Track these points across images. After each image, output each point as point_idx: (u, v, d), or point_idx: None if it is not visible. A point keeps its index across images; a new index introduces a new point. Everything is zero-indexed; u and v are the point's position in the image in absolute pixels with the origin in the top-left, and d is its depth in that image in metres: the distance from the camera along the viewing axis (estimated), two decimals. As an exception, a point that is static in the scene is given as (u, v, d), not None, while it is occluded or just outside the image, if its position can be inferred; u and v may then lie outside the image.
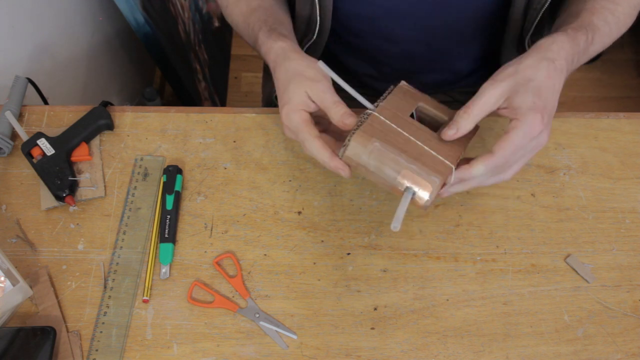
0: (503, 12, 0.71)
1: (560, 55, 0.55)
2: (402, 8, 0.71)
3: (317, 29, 0.72)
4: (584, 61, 0.61)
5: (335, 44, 0.75)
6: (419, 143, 0.55)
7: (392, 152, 0.54)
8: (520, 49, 0.74)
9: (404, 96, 0.60)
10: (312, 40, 0.74)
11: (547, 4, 0.66)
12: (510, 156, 0.53)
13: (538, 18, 0.68)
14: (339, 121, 0.56)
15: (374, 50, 0.80)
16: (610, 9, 0.62)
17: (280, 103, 0.60)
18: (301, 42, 0.76)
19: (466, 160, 0.55)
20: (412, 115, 0.59)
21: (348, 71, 0.89)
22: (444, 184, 0.54)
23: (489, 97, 0.53)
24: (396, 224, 0.52)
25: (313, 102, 0.58)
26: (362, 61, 0.84)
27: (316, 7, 0.69)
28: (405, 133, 0.55)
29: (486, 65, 0.85)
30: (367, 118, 0.56)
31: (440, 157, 0.54)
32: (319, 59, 0.79)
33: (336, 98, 0.57)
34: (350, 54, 0.83)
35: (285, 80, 0.60)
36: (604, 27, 0.61)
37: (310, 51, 0.77)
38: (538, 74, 0.53)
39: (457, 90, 0.91)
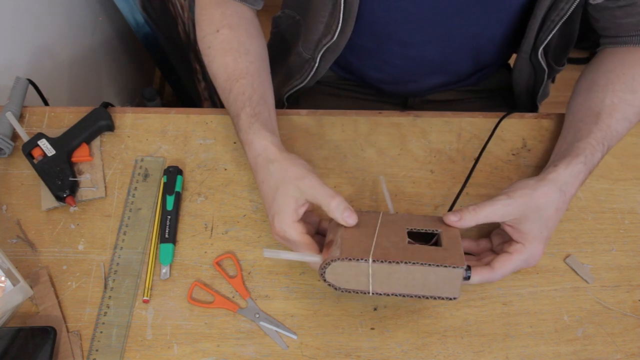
0: (521, 22, 0.72)
1: (574, 186, 0.59)
2: (422, 13, 0.70)
3: (338, 29, 0.70)
4: None
5: (346, 47, 0.75)
6: (372, 240, 0.54)
7: (340, 230, 0.56)
8: (533, 57, 0.74)
9: (428, 220, 0.59)
10: (332, 41, 0.73)
11: (565, 17, 0.66)
12: (507, 274, 0.57)
13: (555, 30, 0.68)
14: (340, 219, 0.55)
15: (386, 53, 0.79)
16: (629, 101, 0.64)
17: (269, 210, 0.59)
18: (317, 45, 0.75)
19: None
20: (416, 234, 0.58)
21: (356, 74, 0.89)
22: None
23: (500, 210, 0.56)
24: (268, 254, 0.57)
25: (302, 205, 0.57)
26: (371, 65, 0.84)
27: (340, 7, 0.67)
28: (376, 232, 0.55)
29: (489, 67, 0.85)
30: (367, 211, 0.58)
31: (368, 251, 0.53)
32: (335, 61, 0.79)
33: (330, 191, 0.56)
34: (361, 57, 0.83)
35: (272, 187, 0.59)
36: (622, 126, 0.64)
37: (328, 53, 0.76)
38: (549, 205, 0.57)
39: (455, 89, 0.91)
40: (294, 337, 0.61)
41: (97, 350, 0.59)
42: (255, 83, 0.66)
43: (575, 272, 0.65)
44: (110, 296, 0.62)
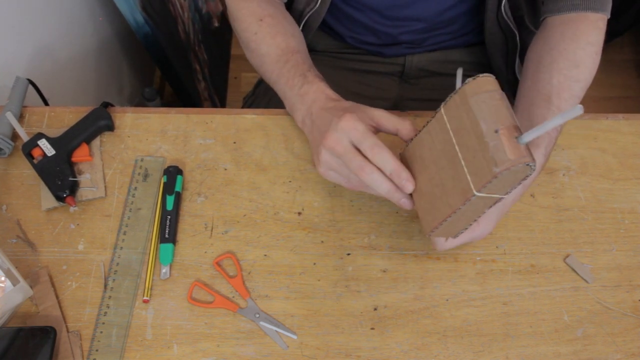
0: None
1: (532, 177, 0.63)
2: None
3: None
4: None
5: (333, 18, 0.80)
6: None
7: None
8: (500, 16, 0.77)
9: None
10: (314, 9, 0.78)
11: None
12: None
13: None
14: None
15: (372, 20, 0.83)
16: (574, 77, 0.66)
17: (328, 125, 0.57)
18: (301, 14, 0.80)
19: None
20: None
21: (346, 42, 0.92)
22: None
23: None
24: None
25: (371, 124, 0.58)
26: (360, 31, 0.87)
27: None
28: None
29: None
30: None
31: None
32: (327, 29, 0.86)
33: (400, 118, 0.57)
34: (348, 24, 0.87)
35: (335, 110, 0.59)
36: (571, 105, 0.66)
37: (310, 21, 0.81)
38: (510, 197, 0.59)
39: (447, 48, 0.92)
40: (294, 337, 0.61)
41: (97, 350, 0.59)
42: (309, 60, 0.70)
43: (576, 272, 0.65)
44: (110, 296, 0.62)
